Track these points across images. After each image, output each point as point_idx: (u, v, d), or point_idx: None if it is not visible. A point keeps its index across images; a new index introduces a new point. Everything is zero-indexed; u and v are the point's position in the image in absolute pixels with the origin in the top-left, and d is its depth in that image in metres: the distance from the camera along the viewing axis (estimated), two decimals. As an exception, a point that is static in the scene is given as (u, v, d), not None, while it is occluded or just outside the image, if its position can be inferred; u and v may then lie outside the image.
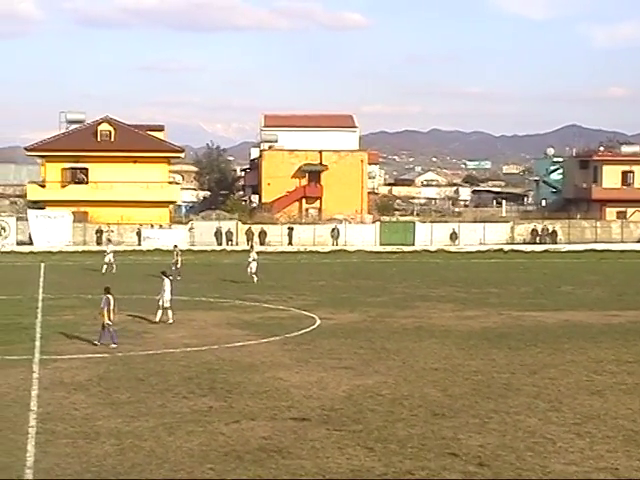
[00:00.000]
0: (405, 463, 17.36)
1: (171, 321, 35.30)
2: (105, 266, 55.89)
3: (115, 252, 59.17)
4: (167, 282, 35.69)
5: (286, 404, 22.16)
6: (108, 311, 30.08)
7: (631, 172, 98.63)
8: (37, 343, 30.67)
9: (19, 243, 77.22)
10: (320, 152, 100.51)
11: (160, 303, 35.52)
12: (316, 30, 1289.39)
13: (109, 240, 68.20)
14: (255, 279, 50.00)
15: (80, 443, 18.57)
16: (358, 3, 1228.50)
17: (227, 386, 24.18)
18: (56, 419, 20.49)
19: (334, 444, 18.65)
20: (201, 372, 26.01)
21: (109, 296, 30.25)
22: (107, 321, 30.06)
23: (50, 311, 38.84)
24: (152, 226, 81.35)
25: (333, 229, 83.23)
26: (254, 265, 50.48)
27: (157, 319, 35.42)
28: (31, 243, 76.90)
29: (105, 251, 58.20)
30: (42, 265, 60.85)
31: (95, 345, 29.95)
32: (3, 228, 77.96)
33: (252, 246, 58.56)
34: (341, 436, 19.26)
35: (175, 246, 56.59)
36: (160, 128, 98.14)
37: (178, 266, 52.88)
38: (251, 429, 19.80)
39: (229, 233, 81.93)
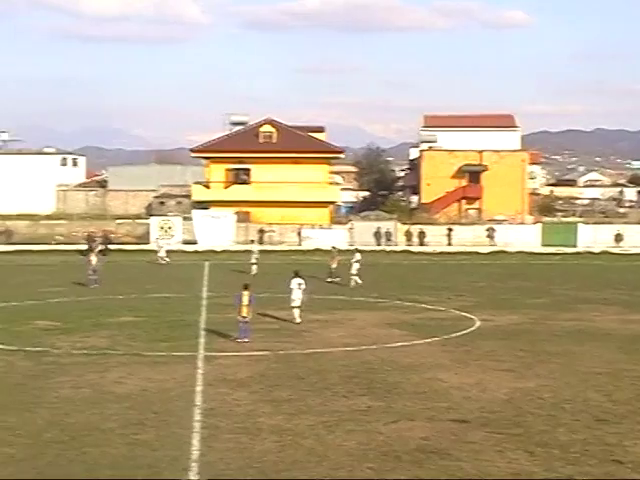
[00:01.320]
0: (567, 468, 17.04)
1: (298, 320, 35.54)
2: (254, 267, 56.40)
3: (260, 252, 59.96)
4: (295, 282, 36.03)
5: (445, 405, 22.05)
6: (241, 307, 30.91)
7: None
8: (201, 340, 31.40)
9: (184, 242, 79.15)
10: (480, 152, 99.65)
11: (293, 304, 35.91)
12: (476, 29, 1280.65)
13: (252, 241, 69.27)
14: (354, 282, 49.62)
15: (242, 439, 18.90)
16: (520, 1, 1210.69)
17: (386, 386, 24.21)
18: (219, 415, 20.91)
19: (494, 447, 18.45)
20: (360, 371, 26.12)
21: (244, 292, 31.02)
22: (240, 316, 30.85)
23: (214, 309, 39.68)
24: (312, 226, 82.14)
25: (488, 229, 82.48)
26: (356, 267, 50.08)
27: (298, 320, 35.65)
28: (196, 242, 78.69)
29: (251, 251, 58.73)
30: (206, 264, 62.19)
31: (246, 342, 30.48)
32: (169, 227, 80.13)
33: (357, 248, 57.50)
34: (501, 439, 19.03)
35: (333, 247, 56.93)
36: (320, 129, 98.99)
37: (333, 267, 53.03)
38: (409, 429, 19.78)
39: (388, 233, 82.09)
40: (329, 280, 50.41)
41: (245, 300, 31.01)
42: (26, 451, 17.92)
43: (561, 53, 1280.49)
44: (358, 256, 50.79)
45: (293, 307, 35.85)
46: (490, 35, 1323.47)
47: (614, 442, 18.82)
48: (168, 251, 66.00)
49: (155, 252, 65.94)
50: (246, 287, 31.41)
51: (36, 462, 17.22)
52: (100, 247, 65.97)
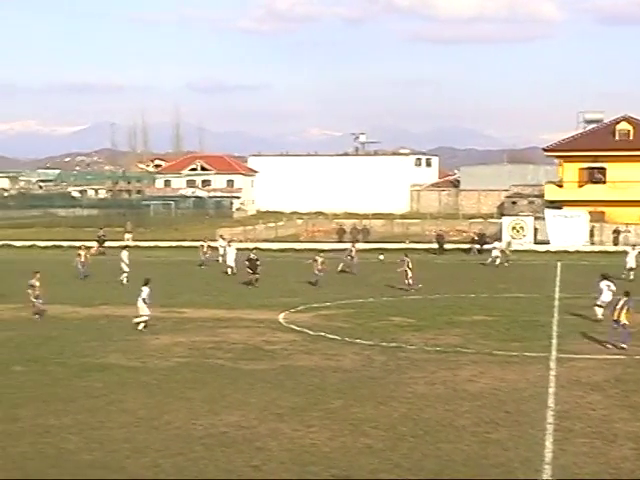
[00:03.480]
0: None
1: (600, 317, 34.69)
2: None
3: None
4: (604, 283, 35.55)
5: None
6: (627, 311, 29.74)
7: None
8: (554, 341, 30.97)
9: (537, 242, 78.30)
10: None
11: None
12: None
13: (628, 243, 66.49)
14: None
15: (597, 444, 18.49)
16: None
17: None
18: (573, 418, 20.58)
19: None
20: None
21: (626, 299, 29.99)
22: (624, 321, 29.63)
23: (566, 310, 38.98)
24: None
25: None
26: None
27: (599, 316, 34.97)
28: (548, 242, 77.66)
29: (626, 252, 56.62)
30: (558, 264, 61.21)
31: (621, 348, 29.45)
32: (522, 227, 79.53)
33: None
34: None
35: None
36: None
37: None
38: None
39: None
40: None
41: (620, 304, 30.12)
42: (382, 442, 18.49)
43: None
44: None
45: (597, 305, 35.57)
46: None
47: None
48: (515, 251, 65.72)
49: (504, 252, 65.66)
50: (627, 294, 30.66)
51: (391, 454, 17.71)
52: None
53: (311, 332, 33.01)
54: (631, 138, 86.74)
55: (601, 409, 21.50)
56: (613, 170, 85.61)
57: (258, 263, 48.65)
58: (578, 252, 72.23)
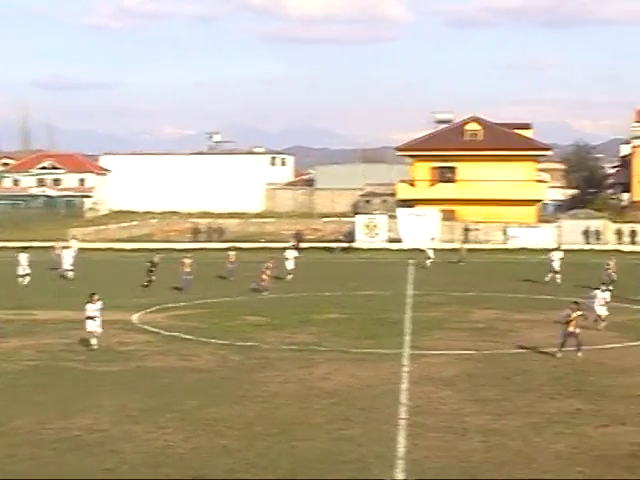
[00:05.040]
0: None
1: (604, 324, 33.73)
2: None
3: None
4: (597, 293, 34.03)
5: (658, 410, 21.33)
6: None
7: None
8: (406, 338, 31.40)
9: (389, 240, 79.40)
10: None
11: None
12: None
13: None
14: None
15: (448, 437, 18.82)
16: None
17: (595, 388, 23.61)
18: (425, 413, 20.89)
19: None
20: (568, 373, 25.59)
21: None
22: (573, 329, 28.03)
23: (418, 307, 39.66)
24: (519, 225, 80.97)
25: None
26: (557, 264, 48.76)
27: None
28: (400, 240, 78.81)
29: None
30: (411, 262, 62.22)
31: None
32: (375, 225, 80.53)
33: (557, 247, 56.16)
34: None
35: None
36: (526, 126, 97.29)
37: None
38: (621, 434, 19.20)
39: (597, 232, 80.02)
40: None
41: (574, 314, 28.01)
42: (238, 442, 18.41)
43: None
44: (559, 254, 49.87)
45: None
46: None
47: None
48: (368, 249, 66.51)
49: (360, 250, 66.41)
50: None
51: (247, 453, 17.66)
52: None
53: (165, 332, 32.71)
54: (480, 138, 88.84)
55: (452, 404, 21.90)
56: (463, 169, 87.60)
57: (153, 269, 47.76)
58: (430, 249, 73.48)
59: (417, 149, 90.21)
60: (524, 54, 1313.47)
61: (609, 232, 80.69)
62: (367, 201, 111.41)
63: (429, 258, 59.72)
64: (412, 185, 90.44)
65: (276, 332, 32.82)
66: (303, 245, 74.58)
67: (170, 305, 40.21)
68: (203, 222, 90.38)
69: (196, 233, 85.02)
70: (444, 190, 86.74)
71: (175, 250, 67.77)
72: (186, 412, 21.01)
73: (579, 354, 27.51)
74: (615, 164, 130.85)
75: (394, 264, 62.48)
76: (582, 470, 16.70)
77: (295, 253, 54.56)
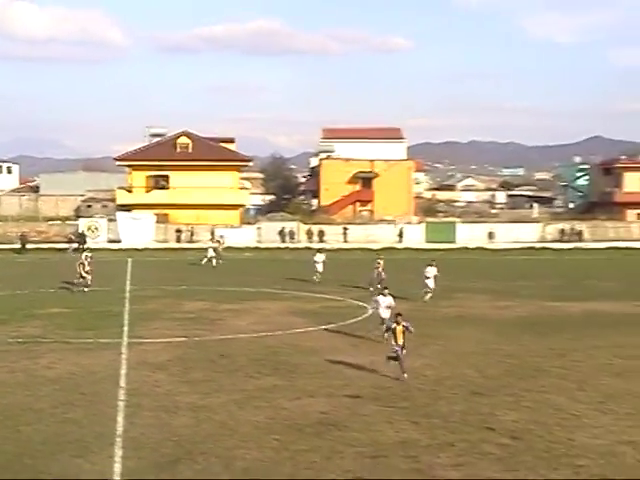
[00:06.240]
0: (448, 436, 17.29)
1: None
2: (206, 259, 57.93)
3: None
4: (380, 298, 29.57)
5: (341, 383, 22.15)
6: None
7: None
8: (125, 328, 30.98)
9: (109, 241, 78.08)
10: (372, 161, 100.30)
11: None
12: (367, 53, 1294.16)
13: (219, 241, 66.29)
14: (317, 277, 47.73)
15: (162, 415, 18.74)
16: (404, 28, 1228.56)
17: (289, 367, 24.22)
18: (141, 394, 20.68)
19: (384, 419, 18.62)
20: (266, 354, 26.08)
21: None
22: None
23: (136, 301, 39.23)
24: (225, 226, 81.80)
25: (400, 230, 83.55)
26: (320, 266, 48.11)
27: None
28: (120, 241, 77.72)
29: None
30: (129, 260, 61.43)
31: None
32: (96, 228, 78.98)
33: (320, 248, 57.13)
34: (390, 412, 19.22)
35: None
36: (231, 140, 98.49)
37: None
38: (310, 405, 19.83)
39: (291, 232, 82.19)
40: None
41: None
42: (-35, 430, 17.47)
43: (440, 74, 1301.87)
44: (322, 256, 48.60)
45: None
46: (379, 58, 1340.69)
47: (487, 412, 19.17)
48: (91, 249, 65.01)
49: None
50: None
51: (-26, 440, 16.81)
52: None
53: None
54: (190, 150, 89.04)
55: (165, 385, 21.79)
56: (175, 178, 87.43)
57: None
58: (146, 249, 72.95)
59: (134, 159, 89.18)
60: (228, 77, 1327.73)
61: (301, 232, 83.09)
62: (89, 206, 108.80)
63: (206, 257, 58.23)
64: (130, 191, 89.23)
65: (3, 327, 31.38)
66: (29, 246, 72.25)
67: None
68: None
69: None
70: (158, 196, 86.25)
71: None
72: None
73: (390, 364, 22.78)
74: (306, 174, 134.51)
75: (114, 262, 61.39)
76: (278, 437, 17.10)
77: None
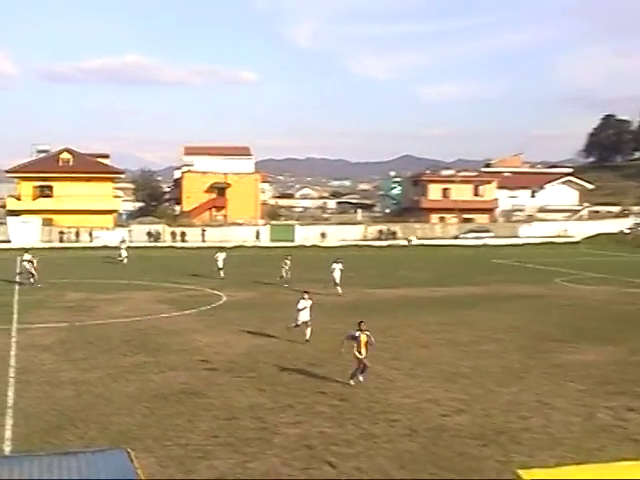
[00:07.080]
0: (288, 399, 17.53)
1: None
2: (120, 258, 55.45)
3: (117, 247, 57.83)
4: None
5: (200, 358, 22.09)
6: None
7: (448, 189, 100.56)
8: (15, 316, 29.83)
9: (1, 241, 74.89)
10: (225, 174, 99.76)
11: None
12: (222, 84, 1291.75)
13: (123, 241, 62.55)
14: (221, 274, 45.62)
15: (47, 389, 18.21)
16: (252, 64, 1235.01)
17: (156, 346, 23.95)
18: (29, 372, 20.03)
19: (236, 387, 18.69)
20: (136, 336, 25.69)
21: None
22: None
23: (24, 292, 37.78)
24: (101, 228, 79.85)
25: (257, 231, 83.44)
26: (220, 263, 45.99)
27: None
28: (10, 241, 74.77)
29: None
30: (18, 259, 58.94)
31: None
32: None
33: (221, 247, 56.03)
34: (241, 381, 19.30)
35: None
36: (106, 156, 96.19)
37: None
38: (174, 377, 19.70)
39: (158, 233, 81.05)
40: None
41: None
42: None
43: (282, 102, 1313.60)
44: (223, 255, 46.84)
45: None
46: (232, 88, 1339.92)
47: (320, 379, 19.50)
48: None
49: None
50: None
51: None
52: None
53: None
54: (71, 164, 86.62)
55: (50, 364, 21.15)
56: (58, 187, 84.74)
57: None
58: (33, 249, 70.10)
59: (22, 171, 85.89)
60: (103, 102, 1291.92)
61: (166, 233, 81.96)
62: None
63: (121, 256, 55.66)
64: (19, 199, 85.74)
65: None
66: None
67: None
68: None
69: None
70: (44, 203, 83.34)
71: None
72: None
73: (360, 378, 18.94)
74: (170, 184, 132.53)
75: (4, 260, 58.76)
76: (147, 405, 16.92)
77: None
